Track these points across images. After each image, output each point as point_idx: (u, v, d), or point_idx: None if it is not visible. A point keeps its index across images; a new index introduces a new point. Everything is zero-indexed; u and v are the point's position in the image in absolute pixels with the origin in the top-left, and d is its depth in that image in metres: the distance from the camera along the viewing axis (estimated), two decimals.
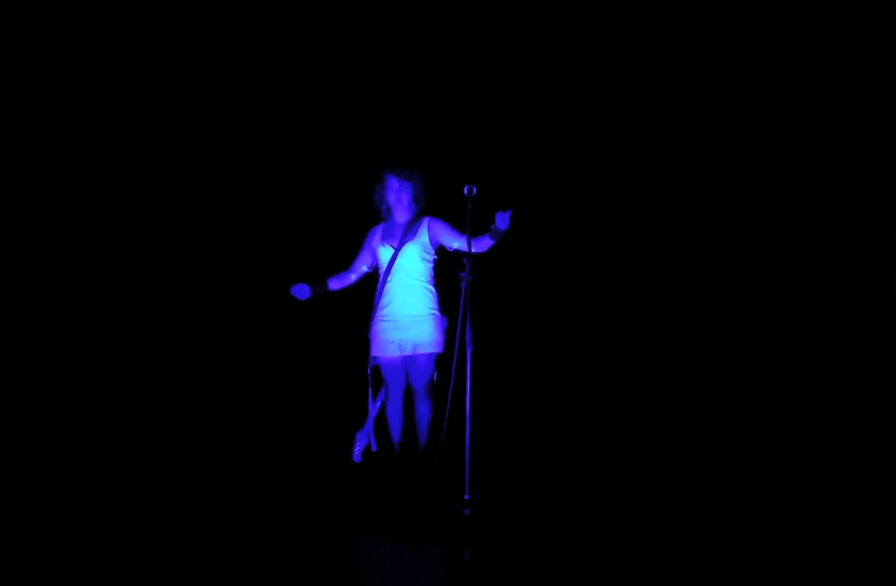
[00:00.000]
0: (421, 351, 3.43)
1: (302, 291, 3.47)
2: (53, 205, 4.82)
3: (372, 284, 3.57)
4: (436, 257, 3.53)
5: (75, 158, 4.85)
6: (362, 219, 3.65)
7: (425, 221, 3.51)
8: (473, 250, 3.09)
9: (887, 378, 4.38)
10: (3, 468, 3.74)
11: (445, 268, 3.50)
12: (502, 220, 3.15)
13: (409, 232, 3.48)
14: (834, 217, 4.64)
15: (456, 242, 3.37)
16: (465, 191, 3.00)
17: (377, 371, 3.56)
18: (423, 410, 3.52)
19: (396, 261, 3.44)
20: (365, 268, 3.60)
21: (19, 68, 4.61)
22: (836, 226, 4.65)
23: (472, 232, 3.04)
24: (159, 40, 4.69)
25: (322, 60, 4.84)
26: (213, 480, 3.63)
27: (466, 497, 2.80)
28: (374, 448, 3.57)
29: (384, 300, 3.47)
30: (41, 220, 4.81)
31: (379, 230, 3.58)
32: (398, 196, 3.50)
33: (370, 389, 3.54)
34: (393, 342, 3.43)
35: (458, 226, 3.36)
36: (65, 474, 3.66)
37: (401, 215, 3.55)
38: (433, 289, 3.50)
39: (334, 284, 3.59)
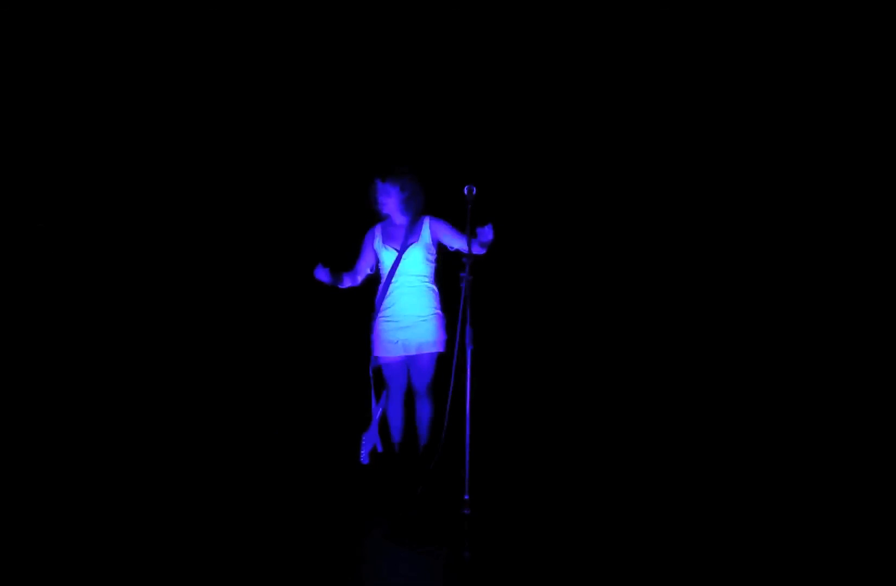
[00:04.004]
0: (425, 350, 3.43)
1: (323, 274, 3.39)
2: (53, 204, 4.82)
3: (372, 286, 3.56)
4: (437, 257, 3.53)
5: (76, 158, 4.85)
6: (362, 221, 3.64)
7: (426, 222, 3.49)
8: (473, 252, 3.12)
9: (888, 378, 4.38)
10: (4, 468, 3.73)
11: (445, 268, 3.50)
12: (484, 234, 3.15)
13: (411, 234, 3.47)
14: (834, 217, 4.64)
15: (456, 243, 3.37)
16: (465, 192, 3.02)
17: (378, 372, 3.56)
18: (424, 410, 3.52)
19: (400, 264, 3.44)
20: (368, 271, 3.56)
21: (19, 68, 4.61)
22: (836, 227, 4.65)
23: (471, 232, 3.06)
24: (158, 41, 4.69)
25: (323, 61, 4.84)
26: (216, 481, 3.63)
27: (466, 497, 2.81)
28: (379, 449, 3.57)
29: (388, 301, 3.46)
30: (41, 219, 4.81)
31: (378, 231, 3.56)
32: (383, 199, 3.48)
33: (372, 390, 3.54)
34: (397, 342, 3.43)
35: (458, 226, 3.36)
36: (64, 474, 3.66)
37: (397, 217, 3.52)
38: (436, 289, 3.50)
39: (346, 281, 3.51)
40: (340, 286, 3.51)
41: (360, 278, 3.57)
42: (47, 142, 4.77)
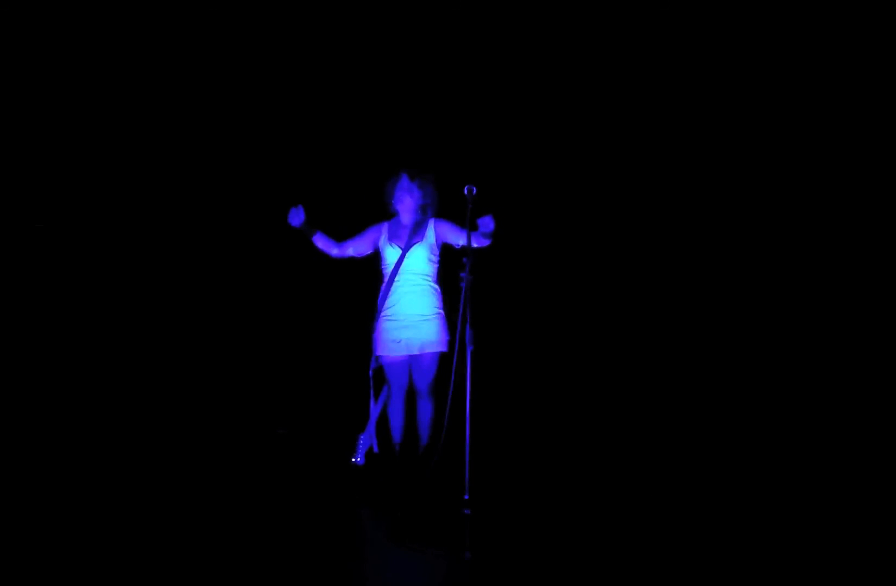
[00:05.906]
0: (427, 350, 3.44)
1: (295, 215, 3.48)
2: (53, 204, 4.83)
3: (374, 285, 3.57)
4: (440, 258, 3.54)
5: (81, 158, 4.85)
6: (365, 222, 3.65)
7: (431, 222, 3.52)
8: (475, 245, 3.17)
9: (888, 379, 4.39)
10: (4, 468, 3.74)
11: (446, 268, 3.51)
12: (486, 225, 3.21)
13: (416, 233, 3.50)
14: (833, 218, 4.65)
15: (461, 239, 3.39)
16: (465, 192, 3.02)
17: (379, 372, 3.56)
18: (425, 410, 3.52)
19: (403, 263, 3.45)
20: (351, 252, 3.59)
21: (19, 68, 4.61)
22: (835, 227, 4.65)
23: (471, 231, 3.07)
24: (166, 42, 4.69)
25: (328, 62, 4.84)
26: (215, 481, 3.63)
27: (466, 497, 2.81)
28: (375, 449, 3.58)
29: (390, 300, 3.48)
30: (41, 219, 4.81)
31: (385, 228, 3.58)
32: (401, 195, 3.52)
33: (372, 391, 3.54)
34: (399, 341, 3.44)
35: (460, 222, 3.37)
36: (65, 473, 3.67)
37: (406, 216, 3.55)
38: (438, 289, 3.51)
39: (320, 240, 3.57)
40: (314, 239, 3.54)
41: (336, 252, 3.59)
42: (47, 142, 4.77)
